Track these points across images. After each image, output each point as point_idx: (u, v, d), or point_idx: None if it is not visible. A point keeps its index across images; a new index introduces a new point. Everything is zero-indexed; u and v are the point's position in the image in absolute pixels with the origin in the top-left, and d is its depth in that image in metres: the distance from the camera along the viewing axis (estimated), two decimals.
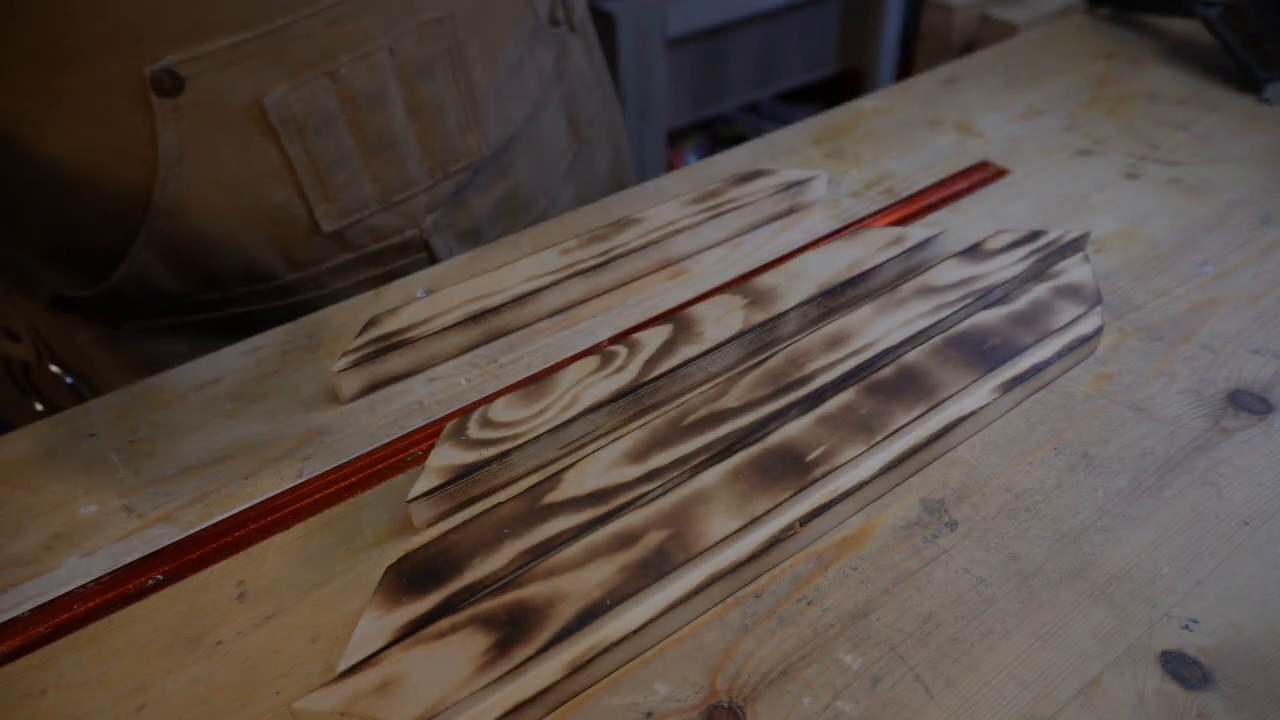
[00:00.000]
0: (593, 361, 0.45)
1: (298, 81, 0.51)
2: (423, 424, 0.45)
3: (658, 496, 0.38)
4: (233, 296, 0.59)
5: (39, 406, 0.62)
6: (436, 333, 0.48)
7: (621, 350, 0.46)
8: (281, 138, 0.52)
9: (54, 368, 0.60)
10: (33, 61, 0.46)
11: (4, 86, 0.47)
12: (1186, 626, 0.34)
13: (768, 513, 0.37)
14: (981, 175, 0.62)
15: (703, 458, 0.39)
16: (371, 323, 0.49)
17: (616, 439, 0.41)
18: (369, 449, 0.44)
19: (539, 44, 0.65)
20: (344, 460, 0.43)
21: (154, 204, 0.52)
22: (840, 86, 1.83)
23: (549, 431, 0.42)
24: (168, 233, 0.53)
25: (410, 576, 0.35)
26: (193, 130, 0.50)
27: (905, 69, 1.82)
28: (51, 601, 0.37)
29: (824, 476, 0.38)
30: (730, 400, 0.42)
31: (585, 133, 0.74)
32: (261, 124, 0.51)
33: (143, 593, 0.38)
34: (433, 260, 0.63)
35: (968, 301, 0.47)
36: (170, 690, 0.34)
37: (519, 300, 0.50)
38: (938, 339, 0.45)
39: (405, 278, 0.56)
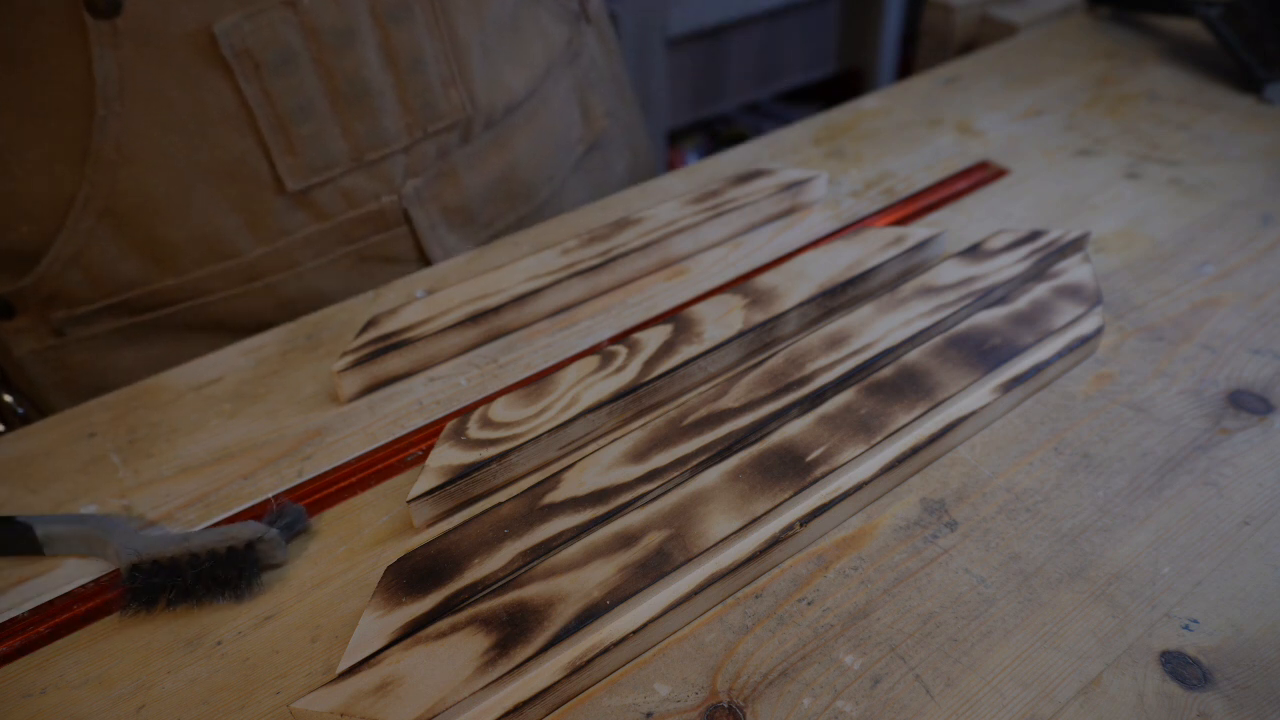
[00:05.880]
0: (593, 361, 0.45)
1: (252, 9, 0.47)
2: (423, 424, 0.45)
3: (658, 496, 0.38)
4: (192, 282, 0.53)
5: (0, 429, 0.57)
6: (436, 333, 0.48)
7: (621, 350, 0.46)
8: (236, 74, 0.47)
9: (8, 397, 0.56)
10: None
11: None
12: (1186, 626, 0.34)
13: (768, 513, 0.37)
14: (981, 175, 0.62)
15: (703, 458, 0.39)
16: (371, 323, 0.49)
17: (616, 439, 0.41)
18: (369, 449, 0.44)
19: (543, 10, 0.62)
20: (344, 460, 0.43)
21: (93, 151, 0.47)
22: (840, 86, 1.83)
23: (549, 431, 0.42)
24: (109, 192, 0.48)
25: (410, 576, 0.35)
26: (133, 60, 0.45)
27: (905, 69, 1.82)
28: (51, 601, 0.37)
29: (824, 476, 0.38)
30: (730, 400, 0.42)
31: (599, 125, 0.71)
32: (211, 56, 0.47)
33: None
34: (414, 236, 0.59)
35: (968, 301, 0.47)
36: (170, 690, 0.34)
37: (519, 300, 0.50)
38: (938, 339, 0.44)
39: (405, 278, 0.56)
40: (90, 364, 0.55)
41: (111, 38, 0.44)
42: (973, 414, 0.42)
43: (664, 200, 0.58)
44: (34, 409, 0.57)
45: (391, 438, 0.44)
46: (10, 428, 0.57)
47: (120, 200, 0.49)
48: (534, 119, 0.63)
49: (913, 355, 0.44)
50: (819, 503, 0.38)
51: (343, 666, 0.32)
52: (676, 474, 0.39)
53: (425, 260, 0.61)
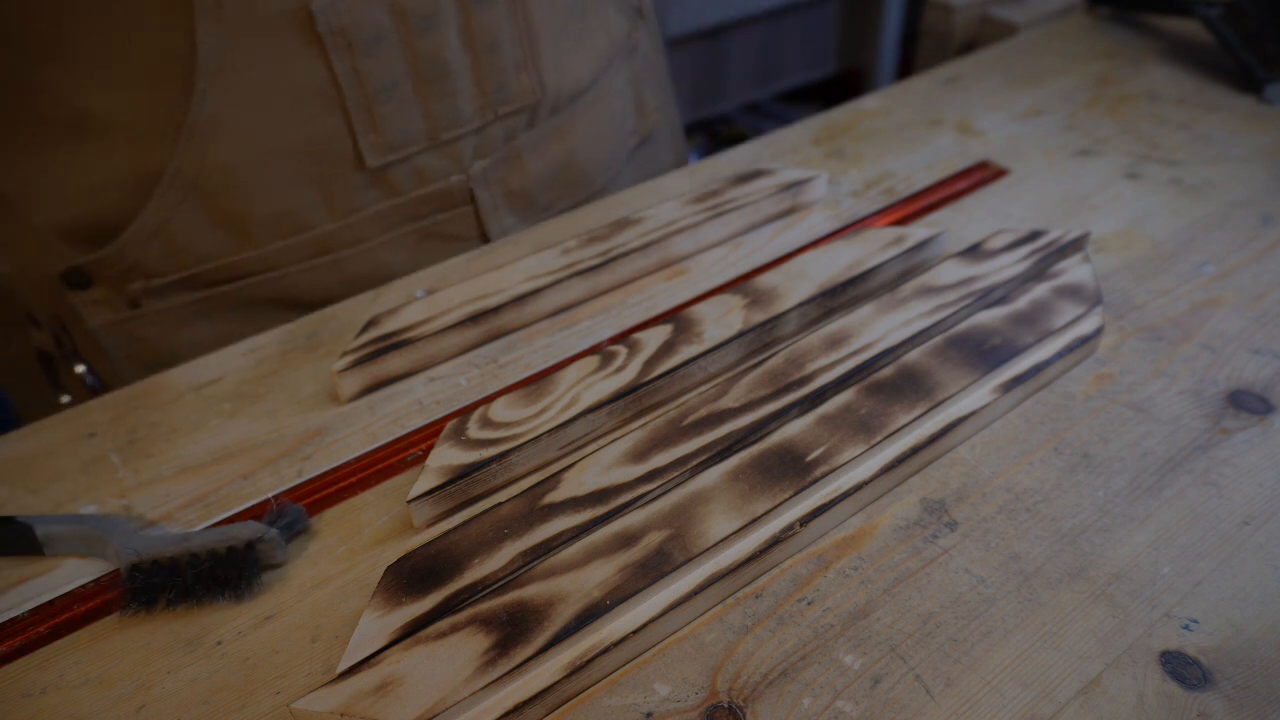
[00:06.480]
0: (593, 361, 0.45)
1: None
2: (423, 424, 0.45)
3: (658, 496, 0.38)
4: (266, 256, 0.55)
5: (65, 399, 0.59)
6: (436, 333, 0.48)
7: (621, 350, 0.46)
8: (329, 51, 0.49)
9: (80, 368, 0.57)
10: None
11: None
12: (1186, 626, 0.34)
13: (768, 513, 0.37)
14: (981, 175, 0.62)
15: (703, 458, 0.39)
16: (371, 323, 0.49)
17: (616, 439, 0.41)
18: (369, 449, 0.44)
19: (609, 3, 0.64)
20: (344, 460, 0.43)
21: (189, 125, 0.48)
22: (840, 86, 1.83)
23: (549, 431, 0.42)
24: (198, 166, 0.50)
25: (410, 576, 0.35)
26: (235, 35, 0.47)
27: (905, 69, 1.82)
28: (51, 601, 0.37)
29: (824, 476, 0.38)
30: (730, 400, 0.42)
31: (651, 119, 0.73)
32: (308, 34, 0.49)
33: None
34: (478, 215, 0.61)
35: (968, 301, 0.47)
36: (170, 690, 0.34)
37: (519, 300, 0.50)
38: (938, 339, 0.45)
39: (406, 277, 0.56)
40: (161, 338, 0.56)
41: (216, 10, 0.45)
42: (973, 414, 0.42)
43: (664, 200, 0.58)
44: (104, 381, 0.58)
45: (391, 438, 0.44)
46: (79, 399, 0.58)
47: (207, 174, 0.50)
48: (594, 108, 0.65)
49: (913, 355, 0.44)
50: (819, 503, 0.38)
51: (343, 666, 0.32)
52: (676, 474, 0.39)
53: (485, 239, 0.63)
